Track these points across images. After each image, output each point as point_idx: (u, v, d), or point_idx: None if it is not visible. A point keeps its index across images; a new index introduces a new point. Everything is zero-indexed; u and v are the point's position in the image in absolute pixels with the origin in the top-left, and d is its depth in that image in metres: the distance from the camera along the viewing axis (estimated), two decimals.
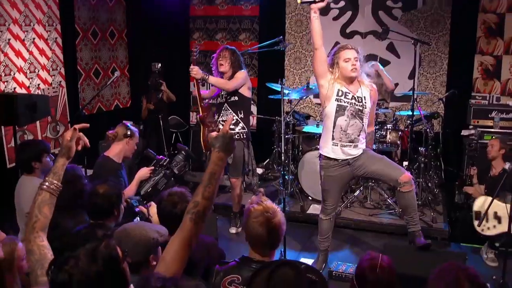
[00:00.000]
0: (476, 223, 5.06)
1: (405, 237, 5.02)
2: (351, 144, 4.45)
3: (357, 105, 4.38)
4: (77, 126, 2.45)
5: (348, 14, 7.99)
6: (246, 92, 5.55)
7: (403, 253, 4.42)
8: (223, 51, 5.56)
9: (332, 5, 7.91)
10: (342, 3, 7.97)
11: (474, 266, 3.44)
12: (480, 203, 5.09)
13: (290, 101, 7.15)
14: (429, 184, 6.47)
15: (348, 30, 8.01)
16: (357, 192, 6.36)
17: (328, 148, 4.51)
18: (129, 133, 4.51)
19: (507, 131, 6.62)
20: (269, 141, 7.69)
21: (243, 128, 5.53)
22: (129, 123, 4.72)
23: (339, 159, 4.50)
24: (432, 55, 7.68)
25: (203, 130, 5.58)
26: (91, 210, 3.27)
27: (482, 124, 6.82)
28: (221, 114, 5.59)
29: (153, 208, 3.50)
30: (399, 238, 5.54)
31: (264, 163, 7.70)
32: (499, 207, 4.88)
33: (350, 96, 4.38)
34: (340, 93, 4.38)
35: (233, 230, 5.86)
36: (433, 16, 7.61)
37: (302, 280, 2.09)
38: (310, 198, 6.39)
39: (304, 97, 6.71)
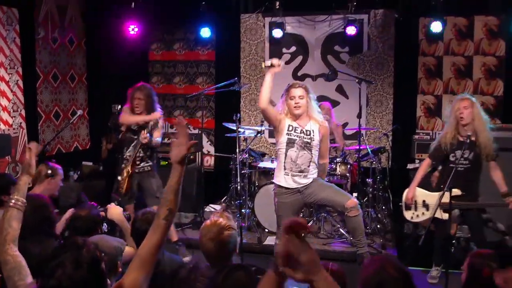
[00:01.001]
0: (406, 213, 5.40)
1: (355, 263, 5.35)
2: (301, 174, 4.86)
3: (305, 138, 4.82)
4: (29, 146, 2.75)
5: (299, 58, 8.49)
6: (157, 135, 5.84)
7: (353, 274, 4.67)
8: (136, 92, 5.85)
9: (284, 50, 8.44)
10: (293, 48, 8.47)
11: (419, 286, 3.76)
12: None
13: (245, 139, 7.49)
14: (379, 215, 6.83)
15: (299, 73, 8.49)
16: (311, 223, 6.65)
17: (281, 177, 4.93)
18: (50, 172, 4.47)
19: None
20: (226, 179, 7.94)
21: (147, 162, 5.92)
22: (51, 162, 4.70)
23: (290, 188, 4.88)
24: (378, 96, 8.21)
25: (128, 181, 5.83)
26: (77, 234, 3.42)
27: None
28: (128, 149, 5.87)
29: (110, 209, 3.70)
30: (351, 264, 5.81)
31: (222, 200, 7.93)
32: (428, 196, 5.27)
33: (299, 130, 4.84)
34: (290, 128, 4.84)
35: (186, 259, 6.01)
36: (377, 60, 8.19)
37: (253, 281, 2.35)
38: (267, 230, 6.63)
39: (259, 135, 7.05)
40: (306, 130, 4.85)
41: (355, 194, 6.37)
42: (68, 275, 1.91)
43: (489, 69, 7.81)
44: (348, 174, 6.61)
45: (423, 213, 5.28)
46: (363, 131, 6.56)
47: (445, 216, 4.97)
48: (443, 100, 7.99)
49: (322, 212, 6.58)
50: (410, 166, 7.33)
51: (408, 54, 8.07)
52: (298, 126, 4.85)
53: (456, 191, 4.96)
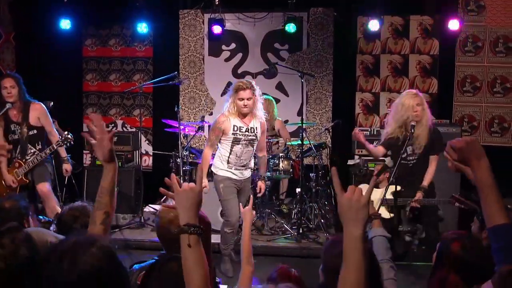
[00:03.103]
0: None
1: (300, 258, 5.57)
2: (243, 167, 5.28)
3: (250, 136, 5.18)
4: None
5: (239, 55, 8.42)
6: (46, 122, 5.71)
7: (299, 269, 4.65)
8: (6, 81, 5.63)
9: (224, 47, 8.34)
10: (233, 45, 8.39)
11: None
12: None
13: (185, 136, 7.32)
14: (322, 211, 6.83)
15: (239, 71, 8.42)
16: (255, 219, 6.56)
17: (224, 170, 5.24)
18: None
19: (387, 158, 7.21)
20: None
21: (40, 156, 5.67)
22: None
23: (235, 179, 5.24)
24: (317, 93, 8.26)
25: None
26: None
27: (365, 153, 7.37)
28: (18, 151, 5.70)
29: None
30: (295, 259, 5.77)
31: (162, 200, 7.71)
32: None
33: (244, 129, 5.15)
34: (235, 128, 5.13)
35: None
36: (317, 57, 8.25)
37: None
38: None
39: (200, 135, 6.94)
40: (251, 128, 5.18)
41: (298, 190, 6.38)
42: (6, 256, 1.82)
43: (424, 67, 8.04)
44: (291, 170, 6.59)
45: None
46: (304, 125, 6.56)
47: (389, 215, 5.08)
48: (380, 98, 8.14)
49: (265, 209, 6.54)
50: (350, 162, 7.40)
51: (347, 52, 8.18)
52: (243, 125, 5.17)
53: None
